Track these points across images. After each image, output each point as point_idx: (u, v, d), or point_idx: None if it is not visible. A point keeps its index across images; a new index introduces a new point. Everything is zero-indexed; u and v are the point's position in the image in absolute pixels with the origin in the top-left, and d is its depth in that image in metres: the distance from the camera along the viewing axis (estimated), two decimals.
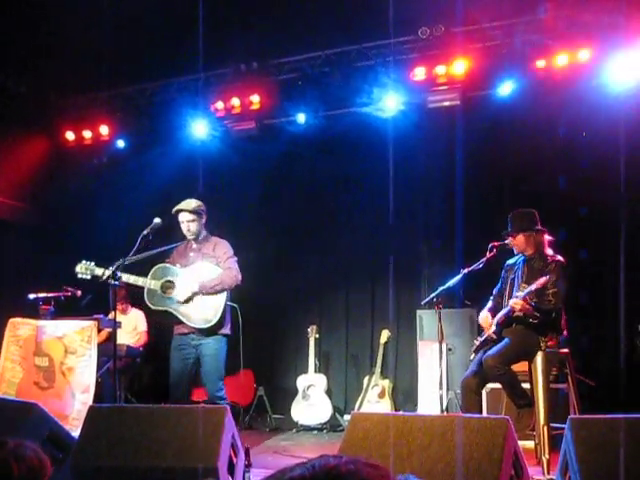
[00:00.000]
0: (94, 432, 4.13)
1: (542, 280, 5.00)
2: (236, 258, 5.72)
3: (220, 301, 5.53)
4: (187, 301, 5.49)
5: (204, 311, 5.50)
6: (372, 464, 1.31)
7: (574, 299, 6.44)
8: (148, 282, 5.50)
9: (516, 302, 5.09)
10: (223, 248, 5.71)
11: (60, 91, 8.99)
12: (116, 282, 5.31)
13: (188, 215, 5.63)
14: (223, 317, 5.55)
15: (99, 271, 5.53)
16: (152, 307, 5.60)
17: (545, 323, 5.14)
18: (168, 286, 5.55)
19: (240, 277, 5.62)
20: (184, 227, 5.66)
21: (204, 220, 5.74)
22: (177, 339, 5.60)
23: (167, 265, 5.65)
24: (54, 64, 8.14)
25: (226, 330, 5.63)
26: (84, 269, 5.56)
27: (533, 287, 5.02)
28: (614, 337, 7.06)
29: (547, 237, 5.41)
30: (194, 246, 5.74)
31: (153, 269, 5.59)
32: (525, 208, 5.51)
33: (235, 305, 5.79)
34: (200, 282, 5.49)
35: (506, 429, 3.43)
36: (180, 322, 5.54)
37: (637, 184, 7.04)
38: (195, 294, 5.49)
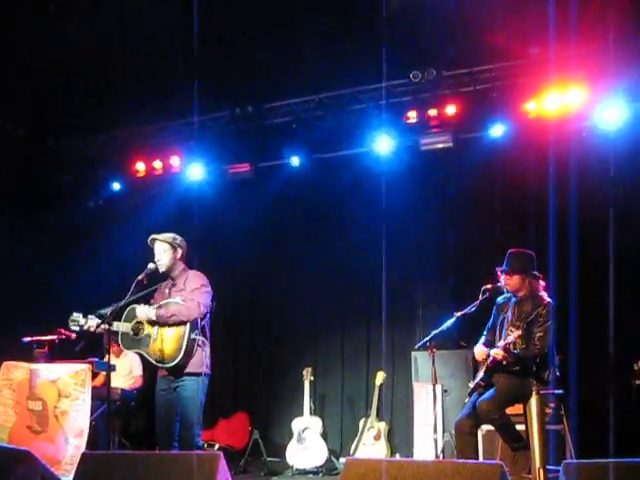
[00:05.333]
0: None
1: (516, 334, 5.06)
2: (206, 290, 5.40)
3: (181, 335, 5.20)
4: (149, 323, 5.28)
5: (168, 347, 5.21)
6: None
7: (565, 339, 6.42)
8: (121, 325, 5.33)
9: (497, 352, 5.15)
10: (193, 280, 5.44)
11: (57, 135, 9.09)
12: (109, 325, 5.24)
13: (160, 244, 5.46)
14: (191, 354, 5.22)
15: (83, 321, 5.44)
16: (126, 350, 5.55)
17: (530, 368, 5.16)
18: (139, 327, 5.35)
19: (202, 310, 5.24)
20: (156, 257, 5.45)
21: (179, 254, 5.50)
22: (159, 383, 5.41)
23: (136, 306, 5.38)
24: (51, 108, 8.25)
25: (201, 368, 5.26)
26: (72, 321, 5.49)
27: (510, 339, 5.09)
28: (608, 378, 7.02)
29: (542, 283, 5.39)
30: (171, 283, 5.52)
31: (125, 311, 5.37)
32: (524, 249, 5.47)
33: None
34: (157, 312, 5.26)
35: (500, 474, 3.41)
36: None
37: (627, 224, 7.07)
38: (153, 322, 5.27)
